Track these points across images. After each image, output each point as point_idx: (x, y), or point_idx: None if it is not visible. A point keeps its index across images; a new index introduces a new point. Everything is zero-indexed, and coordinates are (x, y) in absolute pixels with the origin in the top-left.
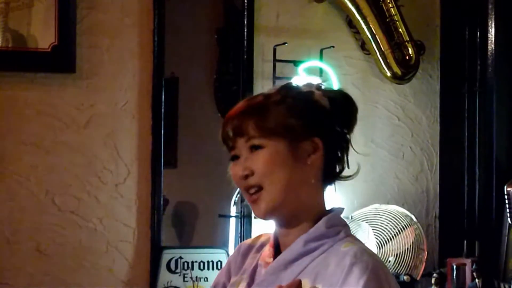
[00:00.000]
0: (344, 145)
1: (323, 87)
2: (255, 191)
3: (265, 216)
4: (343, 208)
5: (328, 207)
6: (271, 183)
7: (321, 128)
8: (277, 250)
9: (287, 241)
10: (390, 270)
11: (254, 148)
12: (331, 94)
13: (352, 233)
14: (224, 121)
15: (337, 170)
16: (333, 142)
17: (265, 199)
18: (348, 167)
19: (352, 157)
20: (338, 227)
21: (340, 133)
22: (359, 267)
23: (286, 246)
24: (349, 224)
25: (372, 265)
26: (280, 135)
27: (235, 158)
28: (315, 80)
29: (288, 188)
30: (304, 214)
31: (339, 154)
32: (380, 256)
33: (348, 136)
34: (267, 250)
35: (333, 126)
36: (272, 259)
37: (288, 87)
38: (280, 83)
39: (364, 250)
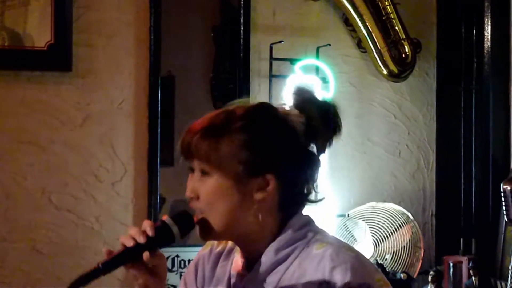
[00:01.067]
0: (310, 172)
1: (307, 100)
2: (199, 214)
3: (205, 240)
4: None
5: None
6: (212, 212)
7: (279, 163)
8: (248, 260)
9: (254, 251)
10: (387, 268)
11: (203, 173)
12: (311, 113)
13: (316, 226)
14: (185, 132)
15: (299, 199)
16: (294, 174)
17: (207, 224)
18: (315, 191)
19: (349, 154)
20: (305, 228)
21: (308, 157)
22: (339, 270)
23: (255, 256)
24: (345, 222)
25: (351, 264)
26: (228, 168)
27: (191, 170)
28: (307, 87)
29: (230, 221)
30: (250, 236)
31: (302, 184)
32: (377, 254)
33: (318, 157)
34: (239, 260)
35: (299, 153)
36: (246, 271)
37: (259, 112)
38: (276, 81)
39: (338, 248)
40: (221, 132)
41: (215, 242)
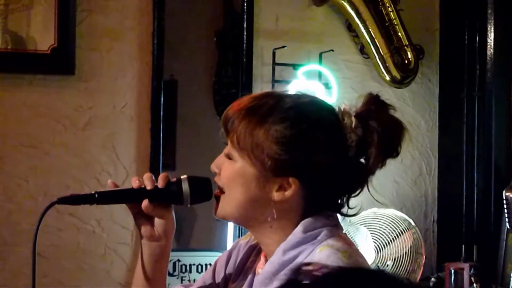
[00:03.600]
0: (349, 184)
1: (373, 112)
2: (219, 190)
3: (218, 217)
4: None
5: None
6: (228, 195)
7: (308, 170)
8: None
9: (268, 251)
10: None
11: (231, 156)
12: (372, 128)
13: (345, 233)
14: (231, 105)
15: (324, 207)
16: (325, 185)
17: (222, 202)
18: (348, 206)
19: None
20: (317, 230)
21: (350, 169)
22: None
23: (269, 255)
24: (347, 228)
25: None
26: (256, 158)
27: (225, 143)
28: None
29: (242, 210)
30: (267, 229)
31: (334, 196)
32: (378, 260)
33: (364, 171)
34: (262, 258)
35: (338, 165)
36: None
37: (308, 109)
38: (279, 87)
39: (335, 252)
40: (262, 119)
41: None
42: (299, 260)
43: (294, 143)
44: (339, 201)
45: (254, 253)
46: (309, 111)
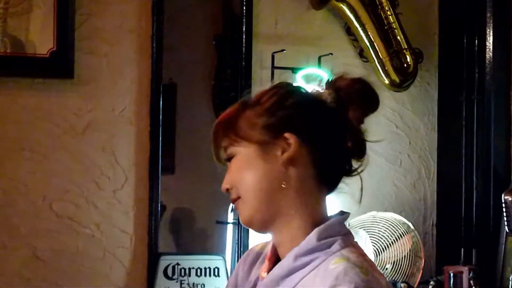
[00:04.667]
0: (344, 140)
1: (336, 79)
2: (235, 199)
3: (245, 224)
4: (345, 215)
5: (330, 213)
6: (244, 190)
7: (299, 121)
8: (277, 261)
9: (281, 253)
10: (387, 278)
11: (229, 158)
12: (340, 86)
13: (356, 241)
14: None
15: (337, 168)
16: (321, 134)
17: (242, 207)
18: (350, 167)
19: None
20: (331, 239)
21: (339, 122)
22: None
23: (282, 258)
24: None
25: (355, 285)
26: (247, 139)
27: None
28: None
29: (261, 193)
30: (288, 222)
31: (337, 149)
32: (377, 263)
33: (354, 125)
34: (266, 262)
35: (325, 117)
36: (266, 273)
37: (280, 87)
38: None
39: (353, 267)
40: (235, 114)
41: (259, 244)
42: (309, 268)
43: (278, 106)
44: (346, 166)
45: (260, 259)
46: (283, 86)
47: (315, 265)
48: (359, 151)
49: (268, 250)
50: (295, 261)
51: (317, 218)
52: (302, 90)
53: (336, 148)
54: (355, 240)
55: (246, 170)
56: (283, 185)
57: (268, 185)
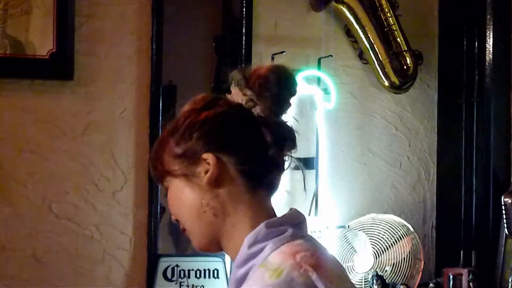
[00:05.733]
0: (264, 135)
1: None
2: (183, 230)
3: (199, 250)
4: (288, 212)
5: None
6: (184, 221)
7: (212, 137)
8: None
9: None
10: (387, 280)
11: (166, 191)
12: (248, 84)
13: (304, 236)
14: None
15: (265, 168)
16: (241, 143)
17: (190, 236)
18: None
19: (349, 166)
20: (262, 244)
21: (253, 122)
22: None
23: None
24: (346, 234)
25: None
26: (171, 173)
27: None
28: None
29: (198, 220)
30: (232, 236)
31: (259, 150)
32: (376, 265)
33: (275, 119)
34: None
35: (236, 121)
36: None
37: (189, 107)
38: None
39: (264, 271)
40: (159, 146)
41: None
42: (248, 276)
43: (191, 127)
44: (274, 162)
45: None
46: (196, 101)
47: (251, 274)
48: (279, 143)
49: None
50: (235, 273)
51: (255, 225)
52: (216, 101)
53: (258, 149)
54: (302, 235)
55: (179, 203)
56: (214, 209)
57: (202, 212)
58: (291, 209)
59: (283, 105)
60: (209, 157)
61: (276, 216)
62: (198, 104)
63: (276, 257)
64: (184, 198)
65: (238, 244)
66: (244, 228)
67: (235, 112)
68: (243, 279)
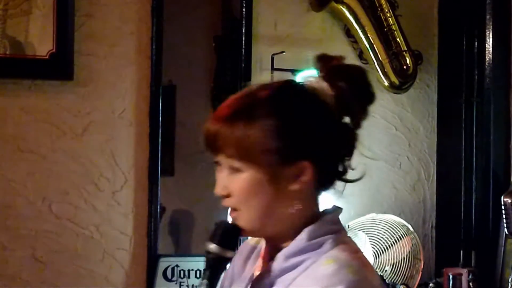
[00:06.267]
0: (347, 149)
1: (333, 69)
2: (233, 210)
3: (244, 235)
4: (337, 211)
5: (322, 209)
6: (247, 209)
7: (313, 147)
8: (271, 260)
9: (273, 253)
10: (387, 280)
11: (233, 169)
12: (340, 83)
13: (349, 237)
14: (209, 122)
15: (334, 179)
16: (331, 156)
17: (242, 221)
18: (349, 170)
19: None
20: (322, 238)
21: (344, 133)
22: None
23: (269, 258)
24: None
25: (346, 286)
26: (259, 160)
27: (218, 163)
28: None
29: (266, 216)
30: (283, 225)
31: (338, 164)
32: (376, 265)
33: (353, 130)
34: (260, 260)
35: (334, 131)
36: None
37: (286, 92)
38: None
39: (341, 267)
40: (247, 121)
41: (254, 238)
42: (300, 269)
43: (289, 128)
44: (342, 168)
45: (254, 254)
46: (287, 94)
47: (306, 266)
48: (351, 153)
49: (262, 246)
50: (285, 262)
51: (309, 217)
52: (303, 96)
53: (342, 160)
54: (348, 236)
55: (252, 195)
56: (296, 207)
57: (275, 208)
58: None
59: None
60: (307, 166)
61: (319, 212)
62: (289, 95)
63: (342, 254)
64: (262, 192)
65: (290, 234)
66: (298, 219)
67: (337, 124)
68: (292, 269)
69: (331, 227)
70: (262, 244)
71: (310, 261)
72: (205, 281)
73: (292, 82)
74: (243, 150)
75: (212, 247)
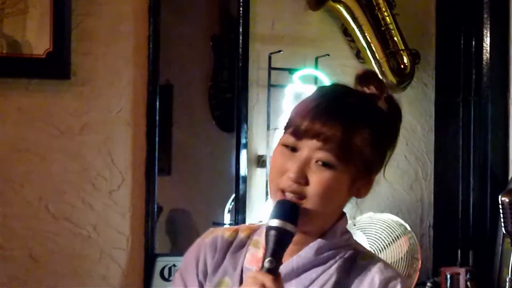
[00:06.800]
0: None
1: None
2: (299, 196)
3: (302, 225)
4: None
5: None
6: (318, 204)
7: (383, 162)
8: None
9: (294, 248)
10: None
11: (324, 164)
12: (391, 103)
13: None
14: (312, 111)
15: None
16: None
17: (307, 217)
18: None
19: None
20: (347, 234)
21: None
22: (393, 284)
23: (290, 252)
24: None
25: (401, 279)
26: (352, 164)
27: (292, 149)
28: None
29: (328, 213)
30: (332, 225)
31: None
32: None
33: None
34: (260, 254)
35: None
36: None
37: (396, 107)
38: (275, 91)
39: (383, 262)
40: (355, 125)
41: (222, 230)
42: (332, 263)
43: (382, 141)
44: None
45: (232, 249)
46: (396, 108)
47: (336, 260)
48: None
49: (241, 238)
50: (316, 255)
51: (342, 215)
52: (400, 114)
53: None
54: None
55: (332, 192)
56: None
57: (337, 208)
58: None
59: None
60: (373, 179)
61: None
62: (397, 111)
63: (368, 250)
64: (340, 193)
65: (321, 225)
66: (335, 217)
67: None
68: (323, 263)
69: (347, 225)
70: (242, 236)
71: (340, 255)
72: (270, 258)
73: (395, 97)
74: (346, 152)
75: (275, 221)
